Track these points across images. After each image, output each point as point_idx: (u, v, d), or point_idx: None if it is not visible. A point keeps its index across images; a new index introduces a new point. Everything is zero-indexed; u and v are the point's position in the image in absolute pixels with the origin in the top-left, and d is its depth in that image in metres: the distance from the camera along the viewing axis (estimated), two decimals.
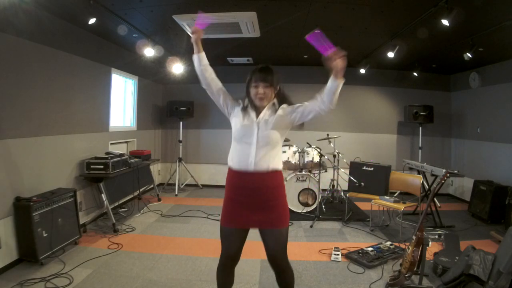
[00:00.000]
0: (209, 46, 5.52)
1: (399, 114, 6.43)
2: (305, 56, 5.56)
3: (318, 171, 4.61)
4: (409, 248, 2.59)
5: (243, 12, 3.44)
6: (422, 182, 4.21)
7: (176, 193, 5.89)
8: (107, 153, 4.14)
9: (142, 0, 3.17)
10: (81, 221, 3.64)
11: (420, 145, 6.06)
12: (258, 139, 1.78)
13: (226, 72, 6.56)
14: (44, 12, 3.21)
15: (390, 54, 4.26)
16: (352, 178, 4.90)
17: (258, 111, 1.86)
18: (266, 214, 1.79)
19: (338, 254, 3.20)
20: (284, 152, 4.84)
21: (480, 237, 3.89)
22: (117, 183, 4.20)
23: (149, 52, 4.31)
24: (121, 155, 4.21)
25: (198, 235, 3.86)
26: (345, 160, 5.28)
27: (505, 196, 4.30)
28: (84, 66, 3.99)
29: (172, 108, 6.09)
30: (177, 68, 5.39)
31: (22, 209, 2.85)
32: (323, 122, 6.10)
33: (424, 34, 3.77)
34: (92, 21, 3.19)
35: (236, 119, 1.87)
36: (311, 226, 4.20)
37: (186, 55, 5.28)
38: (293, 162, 4.86)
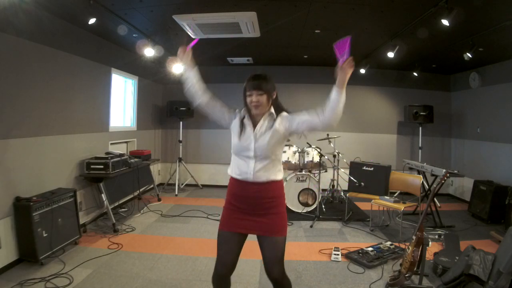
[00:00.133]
0: (209, 46, 5.50)
1: (399, 114, 6.43)
2: (305, 56, 5.56)
3: (318, 171, 4.61)
4: (409, 248, 2.59)
5: (243, 12, 3.44)
6: (422, 182, 4.22)
7: (176, 193, 5.89)
8: (107, 153, 4.14)
9: (142, 0, 3.17)
10: (81, 221, 3.64)
11: (420, 145, 6.06)
12: (256, 153, 1.77)
13: (226, 72, 6.64)
14: (44, 12, 3.21)
15: (390, 54, 4.26)
16: (352, 178, 4.90)
17: (254, 120, 1.84)
18: (264, 222, 1.80)
19: (338, 254, 3.20)
20: (284, 152, 4.84)
21: (480, 237, 3.89)
22: (117, 183, 4.20)
23: (149, 52, 4.30)
24: (121, 155, 4.21)
25: (198, 235, 3.86)
26: (345, 160, 5.28)
27: (505, 196, 4.30)
28: (84, 66, 3.99)
29: (172, 108, 6.09)
30: (177, 68, 5.38)
31: (22, 209, 2.85)
32: None
33: (424, 34, 3.77)
34: (92, 21, 3.18)
35: (234, 134, 1.85)
36: (311, 226, 4.20)
37: None
38: (293, 162, 4.87)
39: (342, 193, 5.21)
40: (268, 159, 1.79)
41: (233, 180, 1.87)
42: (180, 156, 6.22)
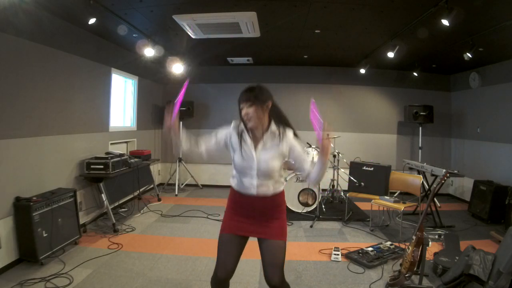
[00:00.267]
0: (209, 46, 5.50)
1: (399, 114, 6.43)
2: (305, 56, 5.55)
3: None
4: (409, 248, 2.59)
5: (243, 12, 3.44)
6: (422, 182, 4.22)
7: (176, 193, 5.89)
8: (107, 153, 4.14)
9: (142, 0, 3.17)
10: (81, 221, 3.64)
11: (420, 145, 6.06)
12: (258, 171, 1.77)
13: (226, 72, 6.64)
14: (44, 12, 3.21)
15: (390, 54, 4.26)
16: (352, 178, 4.90)
17: (254, 135, 1.81)
18: (265, 225, 1.81)
19: (338, 254, 3.20)
20: None
21: (480, 237, 3.89)
22: (117, 183, 4.20)
23: (149, 52, 4.30)
24: (121, 155, 4.21)
25: (198, 235, 3.86)
26: (345, 160, 5.28)
27: (505, 196, 4.30)
28: (84, 66, 3.99)
29: None
30: (177, 68, 5.39)
31: (22, 209, 2.85)
32: None
33: (424, 34, 3.77)
34: (92, 21, 3.18)
35: (235, 152, 1.83)
36: (311, 226, 4.19)
37: (186, 55, 5.28)
38: (293, 162, 4.85)
39: (342, 193, 5.21)
40: (269, 176, 1.79)
41: (235, 192, 1.87)
42: (180, 156, 6.22)
